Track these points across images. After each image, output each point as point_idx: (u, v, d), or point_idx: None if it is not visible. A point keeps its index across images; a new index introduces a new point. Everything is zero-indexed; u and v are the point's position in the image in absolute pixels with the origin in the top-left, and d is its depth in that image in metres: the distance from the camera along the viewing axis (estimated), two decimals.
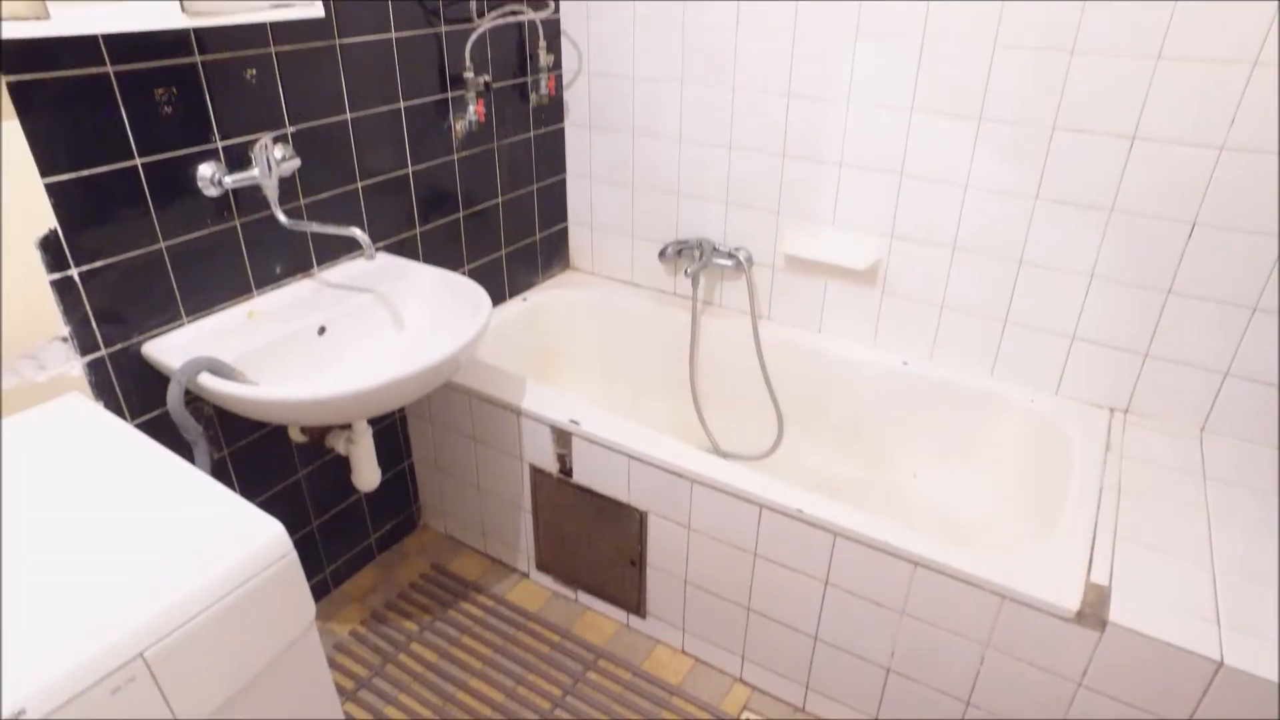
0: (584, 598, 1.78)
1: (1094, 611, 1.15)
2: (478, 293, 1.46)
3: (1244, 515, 1.35)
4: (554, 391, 1.66)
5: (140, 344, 1.31)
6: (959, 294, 1.72)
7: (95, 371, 1.26)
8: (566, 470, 1.62)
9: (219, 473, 1.50)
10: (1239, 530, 1.31)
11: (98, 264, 1.22)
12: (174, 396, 1.22)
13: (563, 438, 1.59)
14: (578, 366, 2.22)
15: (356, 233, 1.36)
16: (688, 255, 2.00)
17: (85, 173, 1.18)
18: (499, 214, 1.97)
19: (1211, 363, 1.51)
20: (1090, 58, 1.42)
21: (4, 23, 0.97)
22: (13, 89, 1.07)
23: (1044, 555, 1.25)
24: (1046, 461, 1.61)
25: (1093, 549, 1.26)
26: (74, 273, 1.20)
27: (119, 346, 1.29)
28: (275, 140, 1.38)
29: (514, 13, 1.80)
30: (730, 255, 1.93)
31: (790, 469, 1.95)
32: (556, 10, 1.93)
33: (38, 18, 1.00)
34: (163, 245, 1.30)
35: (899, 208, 1.71)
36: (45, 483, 0.96)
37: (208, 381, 1.20)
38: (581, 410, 1.58)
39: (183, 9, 1.14)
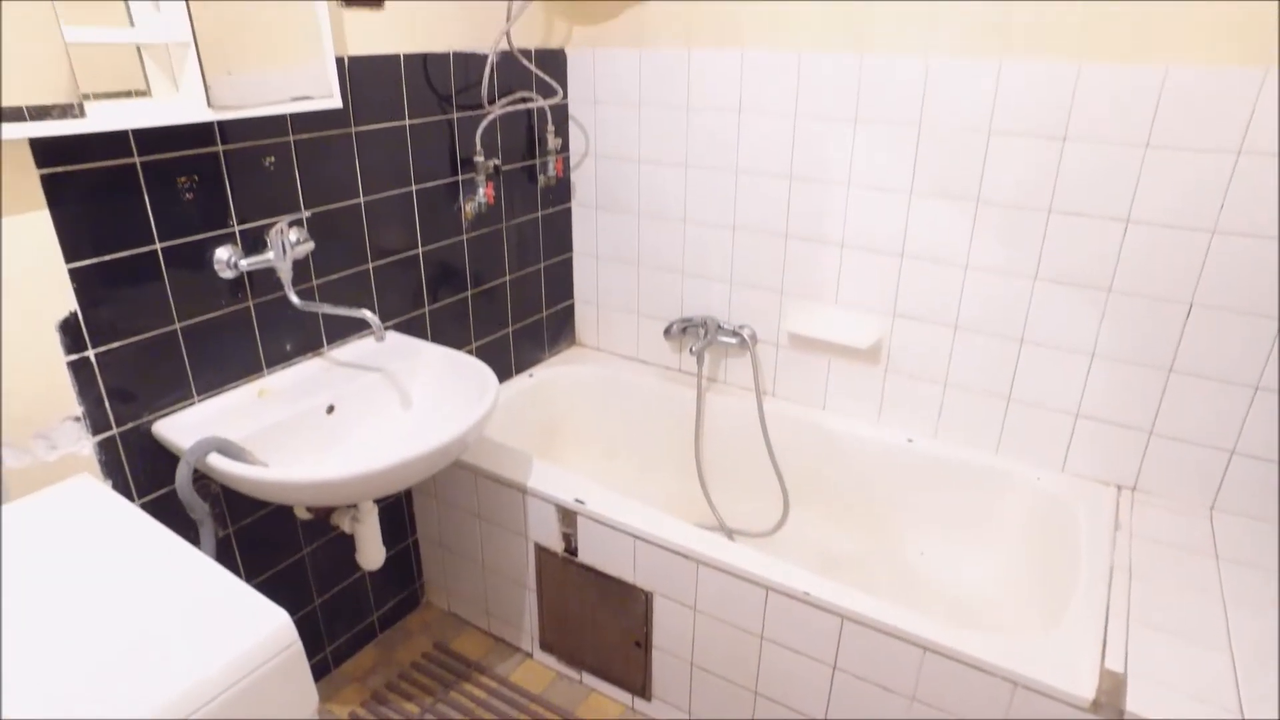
0: (588, 679, 1.75)
1: (1110, 700, 1.13)
2: (485, 373, 1.48)
3: (1259, 597, 1.33)
4: (559, 470, 1.66)
5: (151, 423, 1.32)
6: (962, 372, 1.73)
7: (105, 450, 1.27)
8: (571, 549, 1.61)
9: (224, 550, 1.49)
10: (1255, 613, 1.29)
11: (114, 344, 1.25)
12: (183, 478, 1.23)
13: (568, 517, 1.58)
14: (583, 442, 2.22)
15: (367, 314, 1.39)
16: (692, 333, 2.03)
17: (107, 257, 1.21)
18: (506, 292, 2.01)
19: (1217, 440, 1.52)
20: (1082, 144, 1.47)
21: (42, 121, 1.01)
22: (45, 179, 1.12)
23: (1057, 640, 1.23)
24: (1054, 539, 1.60)
25: (1106, 633, 1.24)
26: (91, 354, 1.22)
27: (130, 425, 1.30)
28: (291, 224, 1.41)
29: (525, 99, 1.87)
30: (734, 333, 1.96)
31: (796, 546, 1.93)
32: (565, 96, 2.00)
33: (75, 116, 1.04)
34: (178, 326, 1.33)
35: (900, 287, 1.74)
36: (52, 570, 0.96)
37: (216, 462, 1.21)
38: (587, 489, 1.58)
39: (209, 104, 1.19)
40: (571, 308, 2.26)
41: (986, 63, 1.50)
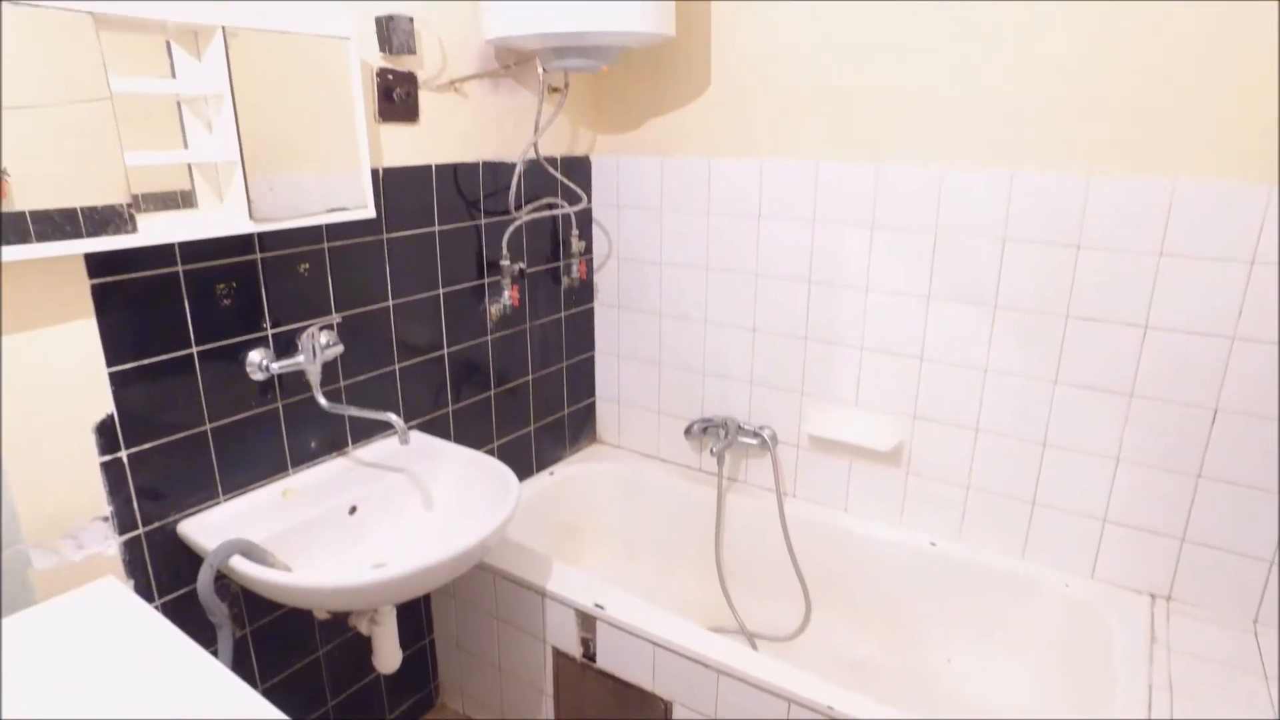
0: None
1: None
2: (506, 476, 1.48)
3: None
4: (579, 572, 1.64)
5: (177, 522, 1.34)
6: (984, 475, 1.72)
7: (130, 550, 1.29)
8: (590, 655, 1.58)
9: (240, 650, 1.48)
10: None
11: (146, 445, 1.28)
12: (204, 581, 1.24)
13: (587, 621, 1.56)
14: (603, 541, 2.21)
15: (392, 418, 1.41)
16: (713, 433, 2.03)
17: (146, 361, 1.25)
18: (529, 390, 2.04)
19: (1256, 550, 1.48)
20: (1096, 252, 1.49)
21: (98, 237, 1.07)
22: (94, 289, 1.17)
23: None
24: (1087, 650, 1.55)
25: None
26: (123, 455, 1.25)
27: (156, 525, 1.31)
28: (321, 328, 1.46)
29: (551, 205, 1.94)
30: (755, 434, 1.96)
31: (819, 651, 1.88)
32: (589, 201, 2.07)
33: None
34: (208, 426, 1.36)
35: (920, 390, 1.74)
36: (71, 680, 0.96)
37: (239, 565, 1.22)
38: (606, 594, 1.56)
39: (251, 216, 1.25)
40: (593, 405, 2.28)
41: (998, 173, 1.55)
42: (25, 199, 1.01)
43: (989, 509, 1.73)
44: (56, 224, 1.04)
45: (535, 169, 1.88)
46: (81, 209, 1.06)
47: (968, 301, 1.64)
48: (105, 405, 1.22)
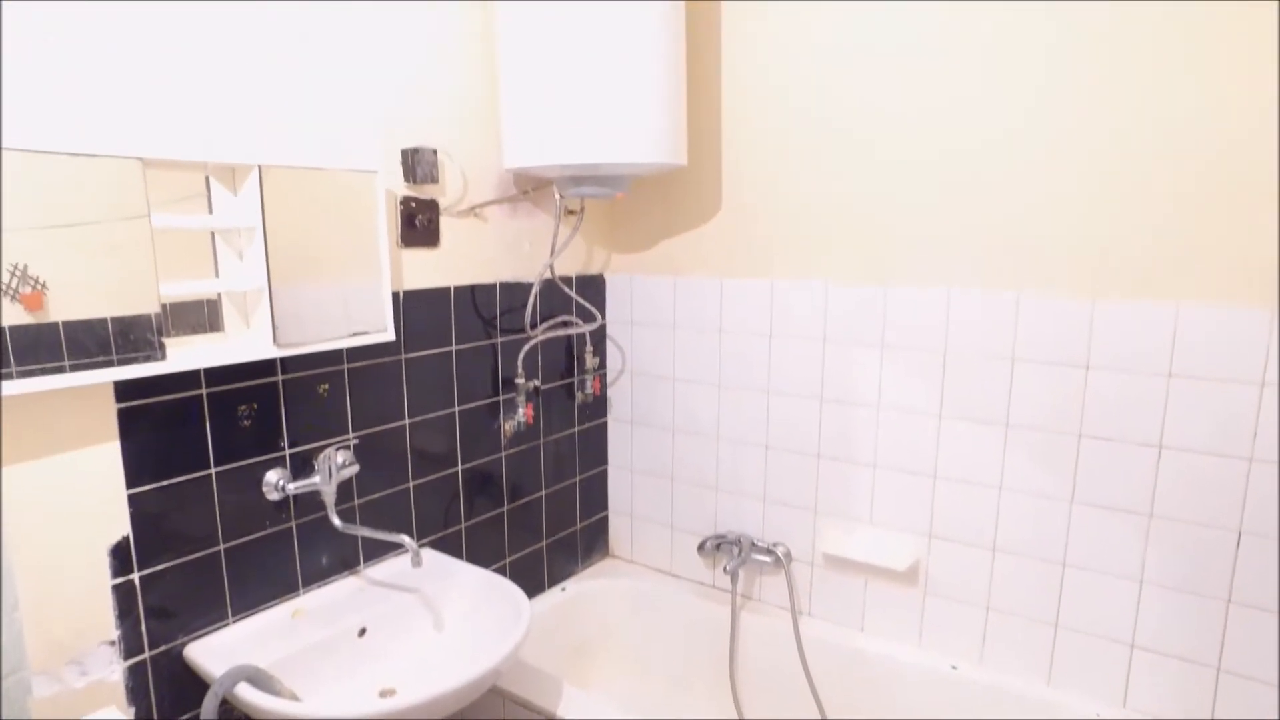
0: None
1: None
2: (518, 599, 1.47)
3: None
4: (590, 696, 1.60)
5: (184, 645, 1.32)
6: (1004, 595, 1.68)
7: (134, 675, 1.27)
8: None
9: None
10: None
11: (159, 566, 1.28)
12: (209, 710, 1.21)
13: None
14: (615, 659, 2.15)
15: (405, 540, 1.41)
16: (726, 550, 2.01)
17: (165, 482, 1.27)
18: (542, 505, 2.03)
19: None
20: (1105, 373, 1.51)
21: (128, 365, 1.11)
22: (120, 412, 1.20)
23: None
24: None
25: None
26: (135, 576, 1.25)
27: (162, 649, 1.30)
28: (338, 448, 1.47)
29: (565, 323, 1.98)
30: (769, 551, 1.94)
31: None
32: (603, 318, 2.12)
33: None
34: (221, 547, 1.36)
35: (935, 508, 1.73)
36: None
37: (245, 693, 1.19)
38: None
39: (275, 341, 1.29)
40: (606, 519, 2.27)
41: (1005, 295, 1.58)
42: (61, 311, 1.06)
43: (1011, 631, 1.69)
44: (88, 348, 1.08)
45: (551, 288, 1.94)
46: (114, 335, 1.10)
47: (979, 420, 1.65)
48: (122, 527, 1.22)
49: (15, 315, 1.02)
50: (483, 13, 1.69)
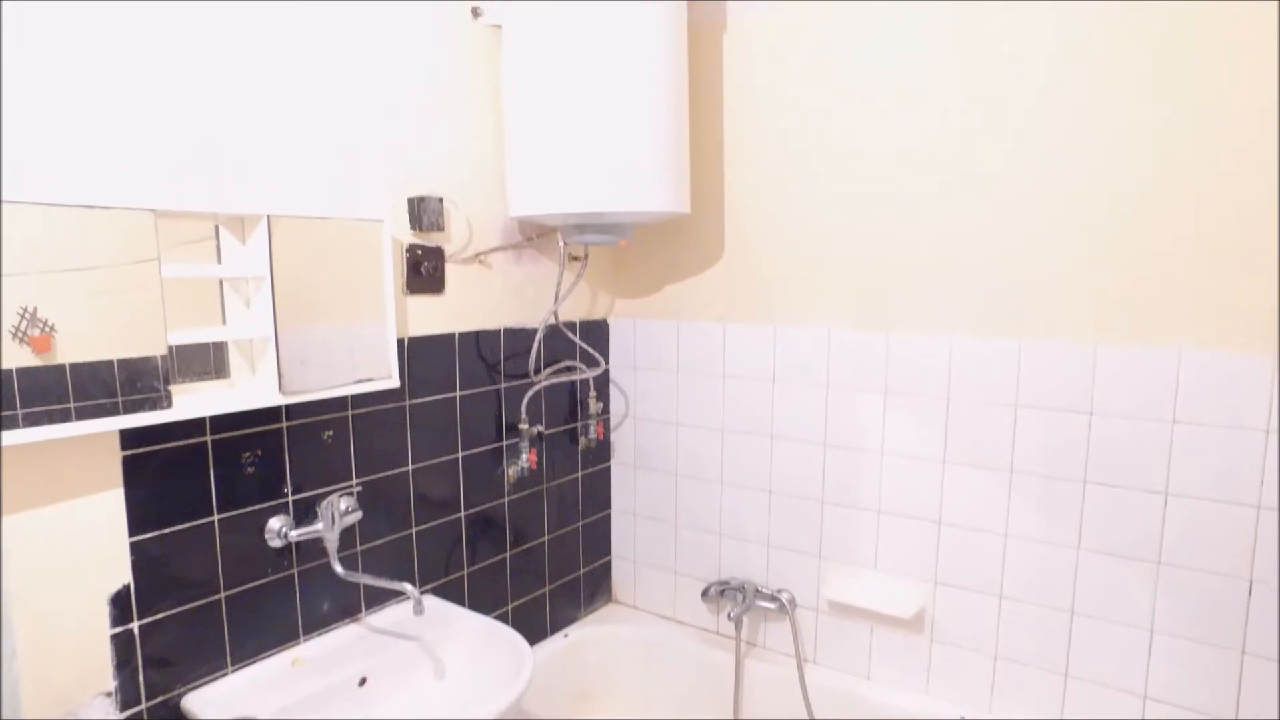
0: None
1: None
2: (521, 648, 1.45)
3: None
4: None
5: (182, 696, 1.31)
6: (1012, 643, 1.66)
7: None
8: None
9: None
10: None
11: (159, 615, 1.27)
12: None
13: None
14: (618, 707, 2.11)
15: (408, 588, 1.40)
16: (730, 597, 1.99)
17: (167, 530, 1.26)
18: (545, 551, 2.02)
19: None
20: (1108, 419, 1.50)
21: (135, 414, 1.12)
22: (125, 460, 1.20)
23: None
24: None
25: None
26: (135, 626, 1.24)
27: (160, 699, 1.28)
28: (341, 495, 1.47)
29: (569, 368, 1.99)
30: (773, 597, 1.92)
31: None
32: (607, 364, 2.12)
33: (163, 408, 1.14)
34: (223, 595, 1.35)
35: (940, 554, 1.72)
36: None
37: None
38: None
39: (281, 389, 1.29)
40: (609, 564, 2.25)
41: (1007, 343, 1.59)
42: (69, 354, 1.07)
43: (1019, 680, 1.66)
44: (94, 393, 1.09)
45: (554, 333, 1.95)
46: (121, 380, 1.11)
47: (983, 467, 1.64)
48: (123, 576, 1.22)
49: (24, 357, 1.03)
50: (488, 63, 1.72)
